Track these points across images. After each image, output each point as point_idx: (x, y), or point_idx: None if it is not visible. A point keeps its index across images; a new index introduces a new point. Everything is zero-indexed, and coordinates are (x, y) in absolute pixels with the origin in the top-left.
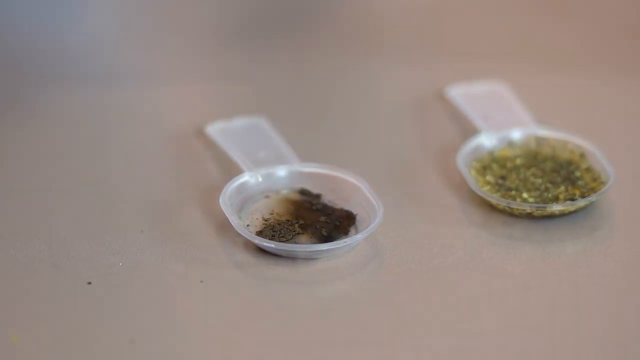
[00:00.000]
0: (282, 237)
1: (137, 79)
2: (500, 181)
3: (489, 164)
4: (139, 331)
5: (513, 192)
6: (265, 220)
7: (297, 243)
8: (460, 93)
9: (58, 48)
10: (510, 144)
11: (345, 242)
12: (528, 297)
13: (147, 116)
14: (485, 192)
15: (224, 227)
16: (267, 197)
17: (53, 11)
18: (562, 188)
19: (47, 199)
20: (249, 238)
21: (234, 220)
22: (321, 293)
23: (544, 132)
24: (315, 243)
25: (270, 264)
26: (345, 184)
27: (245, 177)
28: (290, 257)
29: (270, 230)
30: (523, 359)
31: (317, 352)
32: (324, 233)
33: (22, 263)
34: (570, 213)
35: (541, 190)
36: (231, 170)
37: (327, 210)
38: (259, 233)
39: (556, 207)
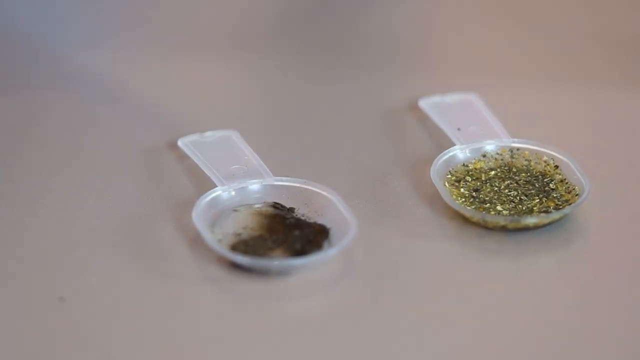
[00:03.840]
0: (255, 252)
1: (107, 90)
2: (474, 194)
3: (462, 176)
4: (112, 347)
5: (487, 205)
6: (238, 235)
7: (270, 258)
8: (433, 105)
9: (27, 57)
10: (484, 156)
11: (319, 256)
12: (503, 311)
13: (118, 129)
14: (459, 205)
15: (196, 241)
16: (240, 211)
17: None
18: (537, 200)
19: (18, 214)
20: (222, 253)
21: (206, 235)
22: (295, 308)
23: (518, 144)
24: (289, 258)
25: (244, 279)
26: (318, 198)
27: (218, 191)
28: (264, 272)
29: (244, 245)
30: None
31: None
32: (298, 247)
33: None
34: (545, 225)
35: (515, 203)
36: (204, 184)
37: (301, 225)
38: (232, 248)
39: (530, 220)
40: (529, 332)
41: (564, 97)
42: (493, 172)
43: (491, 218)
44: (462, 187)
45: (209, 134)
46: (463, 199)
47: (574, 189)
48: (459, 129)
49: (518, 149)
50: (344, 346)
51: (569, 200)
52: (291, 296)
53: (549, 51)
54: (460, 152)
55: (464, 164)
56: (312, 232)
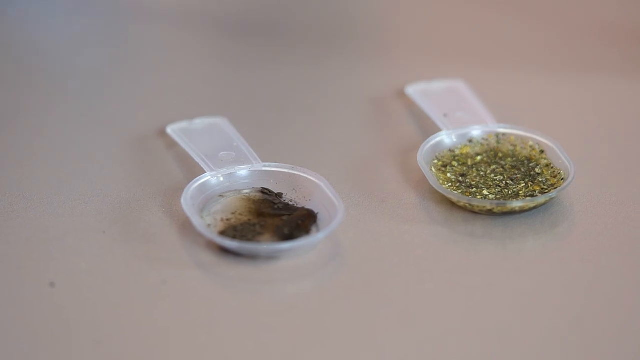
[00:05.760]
0: (244, 236)
1: (97, 77)
2: (460, 178)
3: (449, 161)
4: (103, 333)
5: (474, 189)
6: (227, 220)
7: (258, 242)
8: (420, 91)
9: (17, 48)
10: (471, 141)
11: (307, 241)
12: (489, 294)
13: (108, 116)
14: (446, 189)
15: (186, 227)
16: (229, 197)
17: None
18: (523, 185)
19: (9, 201)
20: (211, 238)
21: (195, 220)
22: (283, 292)
23: (504, 129)
24: (277, 242)
25: (233, 264)
26: (306, 183)
27: (207, 177)
28: (253, 257)
29: (232, 230)
30: (484, 357)
31: (280, 351)
32: (286, 232)
33: None
34: (531, 209)
35: (501, 187)
36: (193, 170)
37: (289, 210)
38: (221, 233)
39: (516, 204)
40: (516, 315)
41: (550, 83)
42: (479, 157)
43: (477, 202)
44: (448, 172)
45: (197, 121)
46: (450, 184)
47: (559, 173)
48: (445, 115)
49: (504, 134)
50: (331, 330)
51: (555, 184)
52: (279, 280)
53: (535, 38)
54: (446, 138)
55: (450, 150)
56: (300, 217)
